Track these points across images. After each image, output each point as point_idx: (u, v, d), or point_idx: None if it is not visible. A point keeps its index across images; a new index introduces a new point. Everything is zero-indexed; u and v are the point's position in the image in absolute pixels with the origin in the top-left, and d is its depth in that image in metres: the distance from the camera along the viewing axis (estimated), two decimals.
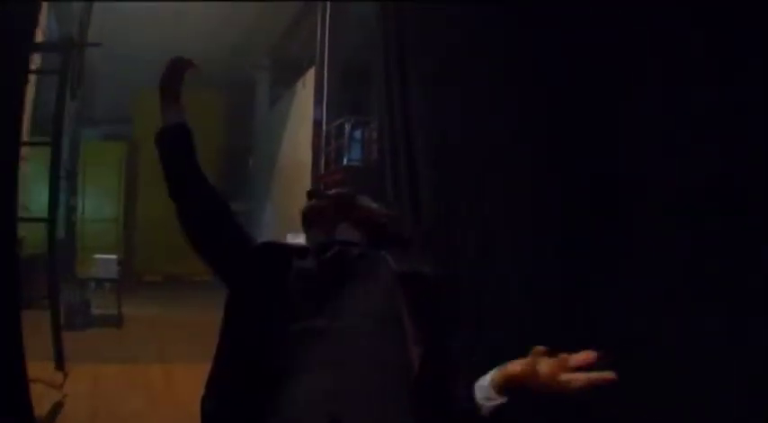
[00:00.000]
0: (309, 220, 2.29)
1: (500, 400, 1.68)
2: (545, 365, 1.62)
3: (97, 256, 10.14)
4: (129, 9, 12.51)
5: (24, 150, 9.68)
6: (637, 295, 2.29)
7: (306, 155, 12.60)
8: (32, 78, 9.67)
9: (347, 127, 11.23)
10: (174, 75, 2.17)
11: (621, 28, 2.42)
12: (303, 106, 13.53)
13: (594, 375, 1.57)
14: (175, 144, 2.14)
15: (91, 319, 9.08)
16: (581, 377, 1.58)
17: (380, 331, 1.91)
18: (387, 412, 1.80)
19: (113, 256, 10.10)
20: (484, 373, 1.75)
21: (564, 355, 1.61)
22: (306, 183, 11.73)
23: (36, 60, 8.51)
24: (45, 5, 9.35)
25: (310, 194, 2.34)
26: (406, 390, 1.82)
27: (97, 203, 17.59)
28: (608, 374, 1.57)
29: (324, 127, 11.94)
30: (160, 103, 2.15)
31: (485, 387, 1.71)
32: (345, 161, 11.17)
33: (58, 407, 4.99)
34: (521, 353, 1.68)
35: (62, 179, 7.54)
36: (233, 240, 2.11)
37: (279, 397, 1.82)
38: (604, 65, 2.50)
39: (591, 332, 2.42)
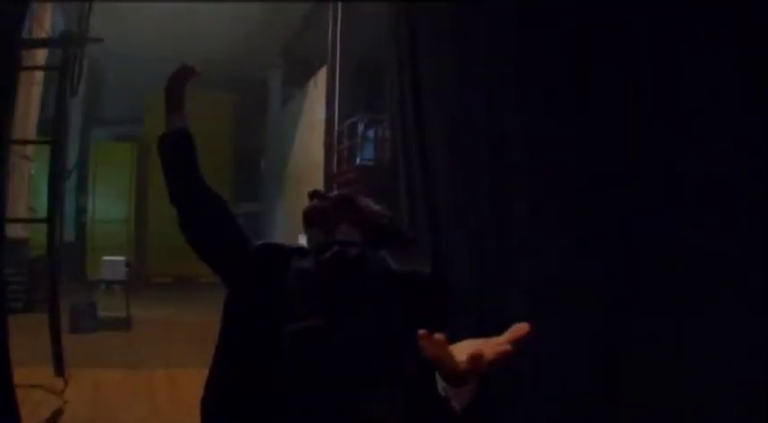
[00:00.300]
0: (310, 220, 2.30)
1: (445, 389, 1.60)
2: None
3: (105, 257, 10.15)
4: (140, 9, 12.58)
5: (30, 150, 9.83)
6: (637, 295, 2.30)
7: (318, 154, 12.62)
8: (39, 78, 9.79)
9: (360, 126, 11.22)
10: (179, 81, 2.23)
11: (624, 28, 2.45)
12: (315, 105, 13.55)
13: (476, 352, 1.46)
14: (176, 149, 2.19)
15: (97, 321, 9.08)
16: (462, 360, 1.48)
17: (379, 331, 1.93)
18: (384, 412, 1.83)
19: (121, 258, 10.10)
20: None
21: (438, 337, 1.47)
22: (318, 182, 11.73)
23: (42, 59, 8.58)
24: (50, 5, 9.43)
25: (312, 195, 2.36)
26: (403, 390, 1.82)
27: (108, 204, 17.64)
28: (493, 351, 1.47)
29: (336, 126, 11.94)
30: (164, 108, 2.21)
31: (438, 380, 1.64)
32: (358, 160, 11.17)
33: (57, 414, 4.96)
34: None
35: (66, 179, 7.56)
36: (232, 242, 2.14)
37: (277, 397, 1.86)
38: (611, 65, 2.53)
39: (592, 332, 2.43)
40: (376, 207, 2.31)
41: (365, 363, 1.88)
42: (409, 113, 4.06)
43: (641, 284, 2.30)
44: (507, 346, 1.46)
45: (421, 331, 1.49)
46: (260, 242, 2.18)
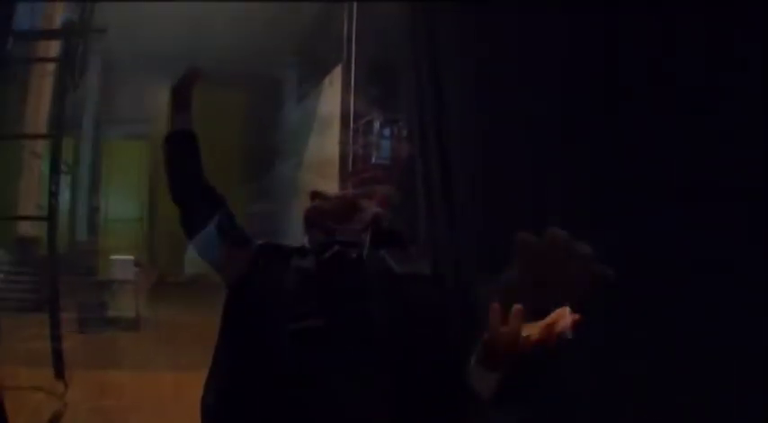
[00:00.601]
0: (311, 220, 2.31)
1: (480, 374, 1.67)
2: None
3: (113, 257, 10.19)
4: (153, 7, 12.55)
5: (39, 147, 9.78)
6: (637, 295, 2.32)
7: (333, 153, 12.57)
8: (50, 69, 9.74)
9: (376, 125, 11.18)
10: (186, 83, 2.27)
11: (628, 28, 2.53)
12: (330, 104, 13.52)
13: (551, 321, 1.52)
14: (179, 150, 2.25)
15: (106, 321, 9.04)
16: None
17: (379, 332, 1.95)
18: (384, 412, 1.87)
19: (130, 257, 10.13)
20: None
21: (517, 307, 1.53)
22: (333, 181, 11.69)
23: (54, 52, 8.55)
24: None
25: (313, 195, 2.39)
26: (404, 390, 1.88)
27: (121, 203, 17.68)
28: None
29: (351, 125, 11.89)
30: (170, 107, 2.27)
31: (472, 368, 1.69)
32: (374, 159, 11.12)
33: (56, 417, 4.87)
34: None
35: (67, 174, 7.49)
36: (233, 242, 2.17)
37: (277, 397, 1.90)
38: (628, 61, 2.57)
39: (593, 333, 2.42)
40: (377, 208, 2.32)
41: (365, 363, 1.91)
42: (428, 112, 4.03)
43: (641, 284, 2.30)
44: (576, 315, 1.49)
45: (494, 305, 1.54)
46: (260, 242, 2.21)
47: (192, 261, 2.21)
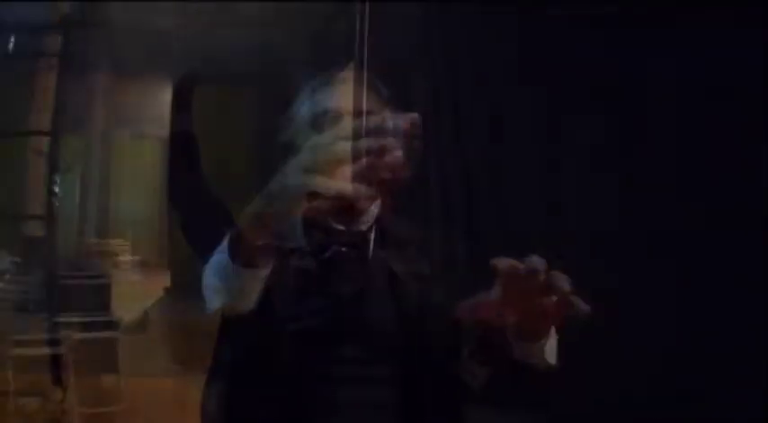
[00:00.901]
0: (310, 221, 2.22)
1: (481, 372, 1.70)
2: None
3: (119, 257, 10.24)
4: (161, 4, 12.64)
5: (44, 145, 9.78)
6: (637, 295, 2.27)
7: (345, 152, 12.62)
8: (55, 62, 9.77)
9: (388, 124, 11.21)
10: (186, 86, 2.34)
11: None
12: (342, 102, 13.56)
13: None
14: (177, 151, 2.30)
15: (111, 323, 9.03)
16: None
17: (378, 333, 1.99)
18: (385, 413, 1.91)
19: (136, 258, 10.18)
20: None
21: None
22: (344, 180, 11.74)
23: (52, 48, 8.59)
24: None
25: (312, 196, 2.30)
26: (404, 391, 1.91)
27: (132, 203, 17.73)
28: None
29: (364, 123, 11.92)
30: (171, 109, 2.32)
31: (464, 362, 1.74)
32: (386, 158, 11.17)
33: None
34: None
35: (66, 172, 7.54)
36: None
37: (277, 398, 1.90)
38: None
39: (592, 333, 2.44)
40: (379, 208, 2.31)
41: (365, 364, 1.95)
42: (441, 111, 4.04)
43: (641, 284, 2.42)
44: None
45: (488, 301, 1.49)
46: (260, 243, 2.10)
47: (213, 292, 2.14)
